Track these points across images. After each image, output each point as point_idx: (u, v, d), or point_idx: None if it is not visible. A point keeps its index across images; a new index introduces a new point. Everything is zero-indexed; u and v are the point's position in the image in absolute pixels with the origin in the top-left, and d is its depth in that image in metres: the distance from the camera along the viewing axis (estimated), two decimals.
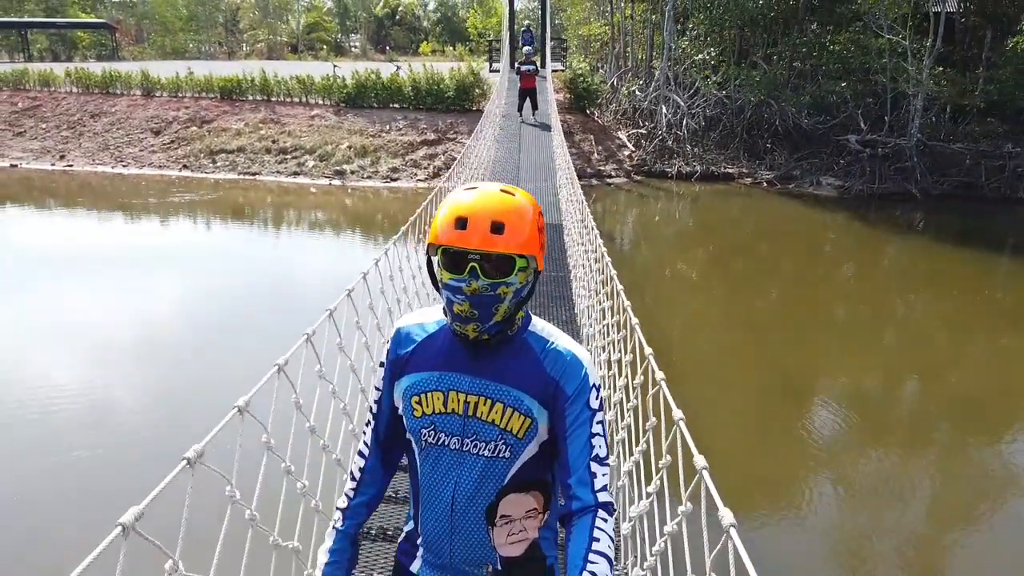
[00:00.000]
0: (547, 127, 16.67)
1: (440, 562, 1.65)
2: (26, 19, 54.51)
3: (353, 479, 1.74)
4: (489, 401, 1.54)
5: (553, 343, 1.57)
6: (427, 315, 1.67)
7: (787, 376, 8.92)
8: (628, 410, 3.20)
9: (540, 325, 1.62)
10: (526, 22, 29.15)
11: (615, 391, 3.58)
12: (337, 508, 1.75)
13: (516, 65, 18.95)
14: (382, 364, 1.69)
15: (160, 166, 20.96)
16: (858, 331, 10.84)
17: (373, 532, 3.38)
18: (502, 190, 1.49)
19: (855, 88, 19.98)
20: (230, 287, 12.11)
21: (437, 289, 1.54)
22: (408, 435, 1.64)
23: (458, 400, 1.55)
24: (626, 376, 3.34)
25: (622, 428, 3.24)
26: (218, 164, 20.68)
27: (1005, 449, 7.42)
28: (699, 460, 2.00)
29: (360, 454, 1.75)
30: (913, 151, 17.98)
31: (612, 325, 3.92)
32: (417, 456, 1.63)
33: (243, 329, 9.89)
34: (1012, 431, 7.80)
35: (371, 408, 1.72)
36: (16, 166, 21.80)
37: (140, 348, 9.28)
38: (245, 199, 18.97)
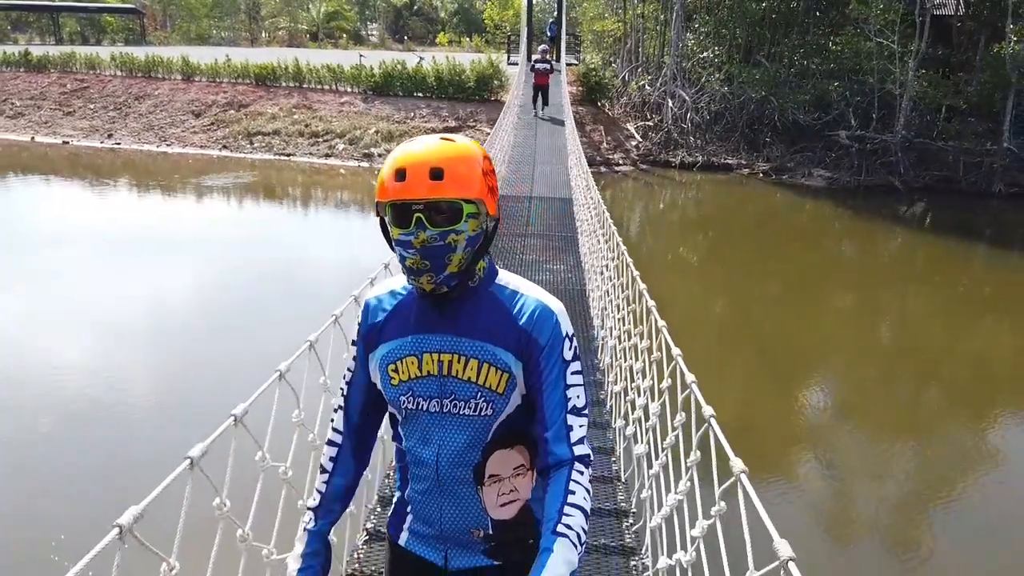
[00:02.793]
0: (560, 119, 18.16)
1: (430, 531, 1.63)
2: (57, 3, 56.18)
3: (324, 471, 1.68)
4: (463, 358, 1.52)
5: (522, 294, 1.55)
6: (393, 283, 1.65)
7: (777, 350, 9.71)
8: (631, 353, 3.61)
9: (507, 278, 1.59)
10: (554, 14, 30.48)
11: (617, 324, 4.35)
12: (307, 508, 1.68)
13: (531, 62, 19.93)
14: (354, 343, 1.67)
15: (201, 146, 22.68)
16: (842, 309, 11.97)
17: (382, 531, 3.16)
18: (441, 138, 1.47)
19: (851, 87, 21.40)
20: (263, 261, 13.07)
21: (392, 248, 1.51)
22: (389, 406, 1.62)
23: (432, 361, 1.53)
24: (626, 313, 4.40)
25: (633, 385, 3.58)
26: (255, 145, 22.38)
27: (980, 426, 7.94)
28: (707, 410, 2.22)
29: (331, 443, 1.69)
30: (898, 147, 19.48)
31: (610, 260, 5.49)
32: (400, 426, 1.61)
33: (268, 306, 10.54)
34: (987, 410, 8.37)
35: (342, 391, 1.68)
36: (67, 143, 23.54)
37: (163, 324, 9.84)
38: (281, 178, 20.62)
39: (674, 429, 2.84)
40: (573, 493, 1.45)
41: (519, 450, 1.59)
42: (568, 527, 1.40)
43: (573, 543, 1.39)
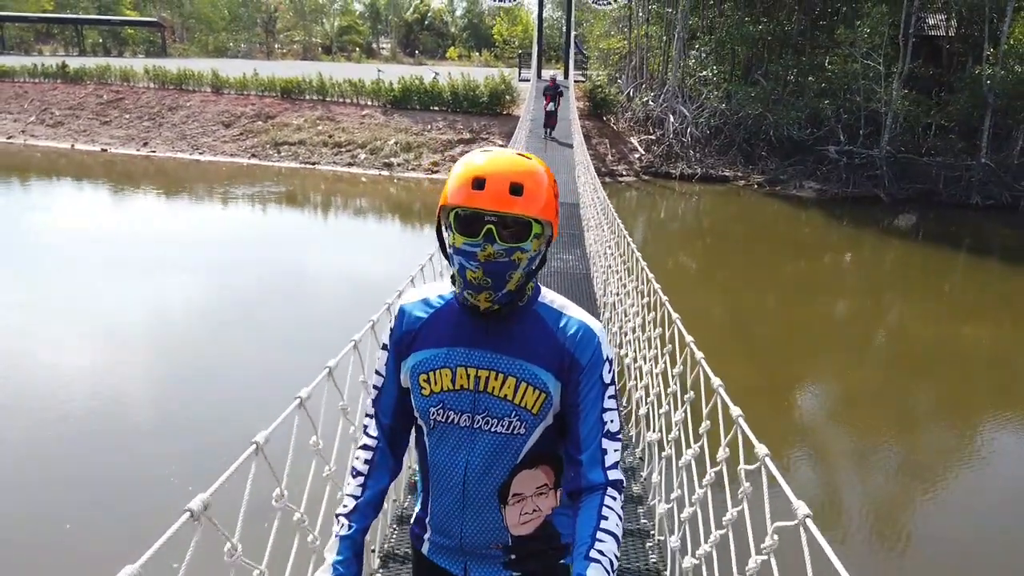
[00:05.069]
0: (568, 142, 19.23)
1: (450, 544, 1.62)
2: (81, 16, 58.11)
3: (358, 475, 1.65)
4: (501, 376, 1.50)
5: (566, 314, 1.54)
6: (430, 290, 1.62)
7: (769, 350, 10.34)
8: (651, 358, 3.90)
9: (551, 297, 1.58)
10: (574, 33, 31.72)
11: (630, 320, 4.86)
12: (340, 515, 1.62)
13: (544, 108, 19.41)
14: (384, 347, 1.64)
15: (232, 155, 24.25)
16: (830, 312, 12.88)
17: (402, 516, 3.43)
18: (518, 153, 1.46)
19: (843, 105, 22.83)
20: (289, 264, 14.05)
21: (446, 256, 1.49)
22: (416, 415, 1.59)
23: (467, 376, 1.51)
24: (624, 273, 5.99)
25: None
26: (282, 154, 23.94)
27: (958, 423, 8.39)
28: (761, 449, 2.14)
29: (364, 447, 1.67)
30: (883, 161, 20.94)
31: (611, 239, 6.89)
32: (426, 436, 1.59)
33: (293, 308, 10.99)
34: (965, 408, 8.87)
35: (372, 398, 1.67)
36: (105, 150, 25.15)
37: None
38: (308, 185, 22.10)
39: (674, 379, 3.21)
40: (606, 519, 1.45)
41: (544, 470, 1.58)
42: (601, 553, 1.41)
43: (606, 569, 1.39)
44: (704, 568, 2.61)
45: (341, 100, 26.58)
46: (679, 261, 16.64)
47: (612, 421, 1.52)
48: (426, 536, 1.66)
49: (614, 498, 1.49)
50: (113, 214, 18.04)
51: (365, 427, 1.69)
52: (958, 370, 10.02)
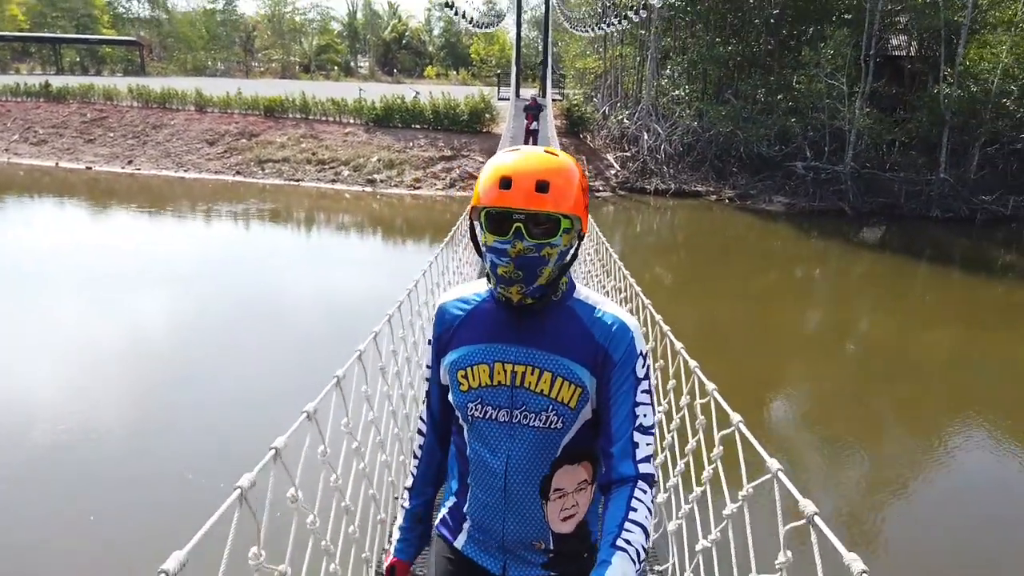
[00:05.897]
0: None
1: (491, 540, 1.64)
2: (59, 35, 57.96)
3: (415, 457, 1.78)
4: (537, 371, 1.53)
5: (600, 310, 1.56)
6: (467, 289, 1.67)
7: (741, 356, 10.59)
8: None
9: (585, 293, 1.60)
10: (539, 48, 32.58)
11: None
12: (404, 488, 1.80)
13: (527, 127, 20.22)
14: (430, 342, 1.69)
15: (216, 172, 24.64)
16: (799, 321, 13.44)
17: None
18: (546, 150, 1.50)
19: (810, 123, 23.81)
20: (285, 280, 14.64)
21: (480, 254, 1.54)
22: (456, 412, 1.63)
23: (504, 371, 1.55)
24: (603, 275, 6.56)
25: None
26: (267, 171, 24.37)
27: (928, 430, 8.69)
28: (772, 463, 2.23)
29: (419, 432, 1.78)
30: (847, 176, 21.89)
31: (590, 245, 7.46)
32: (466, 432, 1.62)
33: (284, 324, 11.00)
34: (935, 415, 9.16)
35: (427, 389, 1.74)
36: (90, 168, 25.39)
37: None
38: (292, 202, 22.48)
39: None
40: (635, 510, 1.45)
41: (584, 466, 1.61)
42: (628, 542, 1.41)
43: (632, 559, 1.40)
44: None
45: (324, 119, 27.09)
46: (655, 273, 17.18)
47: (645, 415, 1.53)
48: (464, 527, 1.68)
49: (644, 491, 1.49)
50: (95, 232, 18.17)
51: (420, 414, 1.78)
52: (923, 374, 10.45)
